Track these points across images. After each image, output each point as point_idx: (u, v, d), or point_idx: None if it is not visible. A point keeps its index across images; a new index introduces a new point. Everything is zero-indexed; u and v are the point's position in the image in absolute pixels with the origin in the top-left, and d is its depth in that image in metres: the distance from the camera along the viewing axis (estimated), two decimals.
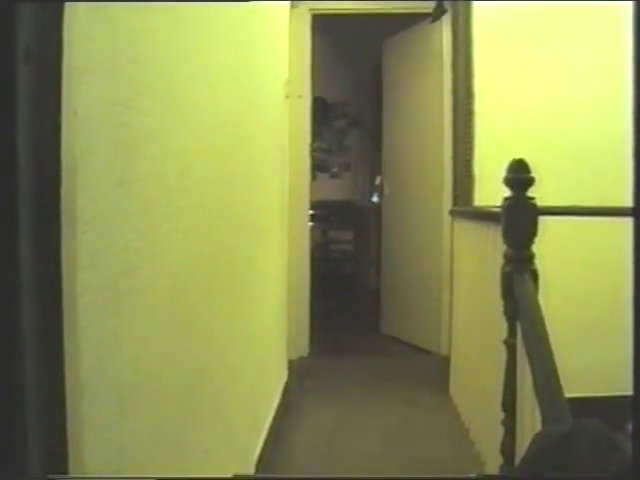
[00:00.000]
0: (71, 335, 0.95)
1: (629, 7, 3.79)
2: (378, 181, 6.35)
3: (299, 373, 4.61)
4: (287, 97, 4.18)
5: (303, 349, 5.27)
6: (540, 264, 2.39)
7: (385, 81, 6.08)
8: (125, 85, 1.24)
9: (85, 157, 1.02)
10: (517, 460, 2.38)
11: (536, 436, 1.43)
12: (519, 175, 2.36)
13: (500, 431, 2.54)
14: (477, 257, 3.46)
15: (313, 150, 5.40)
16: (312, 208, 5.55)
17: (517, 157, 2.38)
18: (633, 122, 2.65)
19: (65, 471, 0.95)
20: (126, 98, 1.24)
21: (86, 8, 1.01)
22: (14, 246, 0.83)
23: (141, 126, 1.33)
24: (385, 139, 6.06)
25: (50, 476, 0.91)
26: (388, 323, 5.93)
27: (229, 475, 1.87)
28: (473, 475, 3.13)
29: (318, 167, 6.27)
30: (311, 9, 5.23)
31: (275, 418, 3.53)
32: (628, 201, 2.79)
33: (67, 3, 0.90)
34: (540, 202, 2.39)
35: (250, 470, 2.79)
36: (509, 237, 2.44)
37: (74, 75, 0.95)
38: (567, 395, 1.84)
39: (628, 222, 2.83)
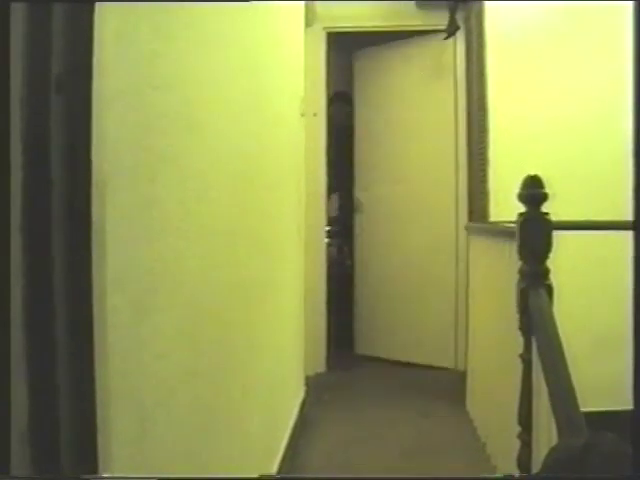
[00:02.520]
0: (100, 353, 0.98)
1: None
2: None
3: (316, 389, 4.62)
4: (302, 115, 4.22)
5: (320, 365, 5.29)
6: (555, 278, 2.40)
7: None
8: (148, 110, 1.28)
9: (111, 180, 1.06)
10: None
11: (552, 450, 1.45)
12: (533, 191, 2.38)
13: (516, 445, 2.55)
14: (493, 273, 3.47)
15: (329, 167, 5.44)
16: (329, 224, 5.59)
17: (532, 173, 2.40)
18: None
19: None
20: (148, 123, 1.28)
21: (113, 36, 1.06)
22: (48, 265, 0.87)
23: (162, 150, 1.37)
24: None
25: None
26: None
27: None
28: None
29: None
30: (325, 27, 5.30)
31: (292, 435, 3.54)
32: None
33: (95, 32, 0.94)
34: (556, 217, 2.41)
35: None
36: (524, 252, 2.46)
37: (102, 101, 0.99)
38: (583, 409, 1.85)
39: None
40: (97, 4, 0.93)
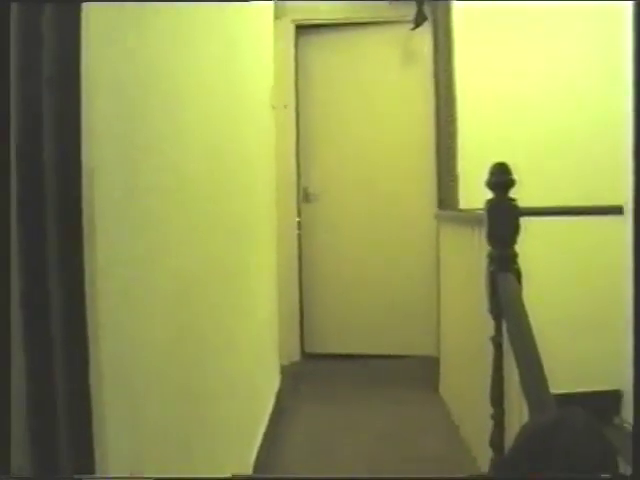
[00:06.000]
0: (93, 341, 1.02)
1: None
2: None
3: (291, 378, 4.67)
4: (274, 107, 4.24)
5: (295, 354, 5.35)
6: (527, 264, 2.45)
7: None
8: (130, 105, 1.32)
9: (99, 173, 1.10)
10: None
11: (523, 427, 1.50)
12: (500, 178, 2.43)
13: (489, 426, 2.61)
14: (463, 258, 3.53)
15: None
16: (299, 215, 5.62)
17: (499, 160, 2.46)
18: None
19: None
20: (131, 117, 1.32)
21: (97, 34, 1.09)
22: (43, 253, 0.90)
23: (144, 142, 1.41)
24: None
25: (77, 476, 0.98)
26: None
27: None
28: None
29: None
30: (294, 20, 5.33)
31: (270, 423, 3.59)
32: (616, 198, 2.88)
33: (83, 32, 0.97)
34: (526, 202, 2.46)
35: (248, 472, 2.86)
36: (492, 238, 2.50)
37: (89, 95, 1.02)
38: (554, 391, 1.90)
39: (613, 220, 2.92)
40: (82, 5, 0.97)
